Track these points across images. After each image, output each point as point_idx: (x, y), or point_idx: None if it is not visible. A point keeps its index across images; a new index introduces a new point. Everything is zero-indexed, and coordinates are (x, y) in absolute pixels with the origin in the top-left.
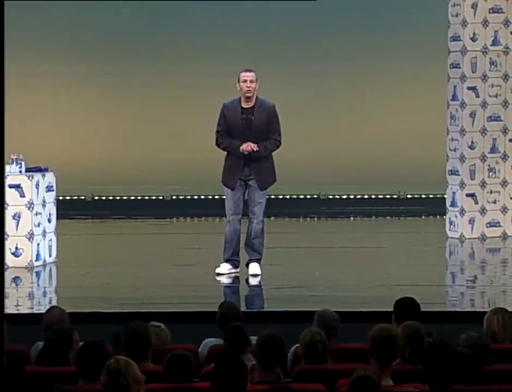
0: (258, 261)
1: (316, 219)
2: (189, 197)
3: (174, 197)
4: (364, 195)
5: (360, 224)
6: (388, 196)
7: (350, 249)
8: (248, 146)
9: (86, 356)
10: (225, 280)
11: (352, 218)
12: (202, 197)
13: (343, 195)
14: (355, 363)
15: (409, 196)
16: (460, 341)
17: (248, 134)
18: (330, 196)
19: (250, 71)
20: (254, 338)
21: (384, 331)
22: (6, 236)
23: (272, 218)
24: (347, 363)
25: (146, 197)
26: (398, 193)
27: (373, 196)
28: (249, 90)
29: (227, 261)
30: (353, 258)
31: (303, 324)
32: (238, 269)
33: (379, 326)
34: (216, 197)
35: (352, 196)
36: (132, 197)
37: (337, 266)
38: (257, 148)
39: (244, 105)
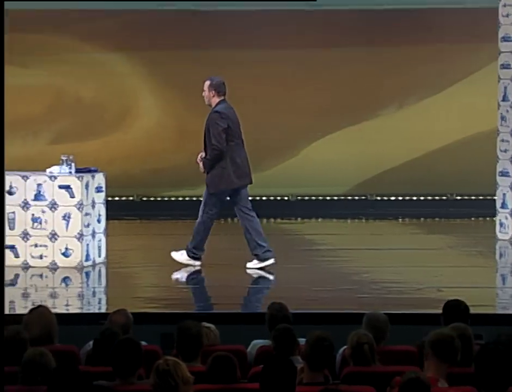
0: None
1: (364, 220)
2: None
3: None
4: (413, 196)
5: (409, 225)
6: (437, 198)
7: (399, 251)
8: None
9: (121, 353)
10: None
11: (400, 220)
12: None
13: (392, 196)
14: (404, 365)
15: (458, 197)
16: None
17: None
18: (378, 198)
19: (205, 81)
20: (300, 340)
21: (443, 335)
22: (56, 237)
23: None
24: (395, 366)
25: (194, 198)
26: (448, 195)
27: (422, 198)
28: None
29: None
30: (402, 260)
31: (352, 325)
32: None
33: (439, 330)
34: None
35: (400, 198)
36: (180, 198)
37: (386, 268)
38: (202, 159)
39: None
